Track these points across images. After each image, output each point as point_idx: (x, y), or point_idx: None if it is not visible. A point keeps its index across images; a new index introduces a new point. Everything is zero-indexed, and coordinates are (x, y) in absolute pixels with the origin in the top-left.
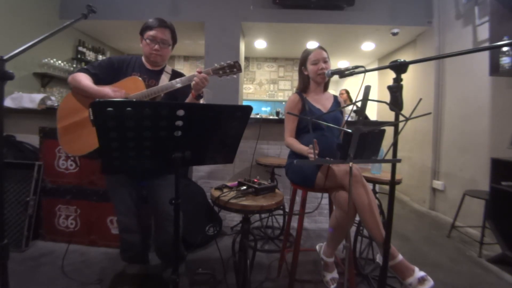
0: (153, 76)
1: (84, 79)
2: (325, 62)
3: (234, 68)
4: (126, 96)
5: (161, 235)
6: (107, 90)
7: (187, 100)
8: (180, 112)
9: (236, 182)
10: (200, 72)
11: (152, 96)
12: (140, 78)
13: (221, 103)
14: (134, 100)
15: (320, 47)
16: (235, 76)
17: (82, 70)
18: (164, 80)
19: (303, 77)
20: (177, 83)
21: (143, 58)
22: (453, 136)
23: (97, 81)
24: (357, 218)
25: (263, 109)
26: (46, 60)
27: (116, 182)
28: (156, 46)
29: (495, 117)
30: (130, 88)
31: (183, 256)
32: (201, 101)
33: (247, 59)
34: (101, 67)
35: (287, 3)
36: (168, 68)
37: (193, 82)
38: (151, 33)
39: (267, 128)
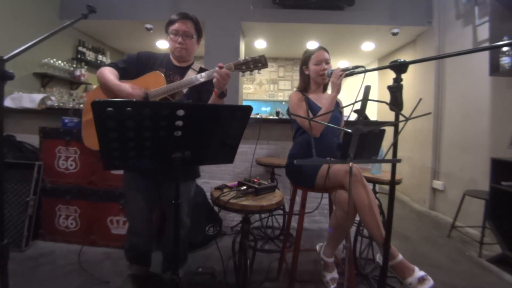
0: (179, 72)
1: (108, 73)
2: (327, 63)
3: (259, 63)
4: (144, 93)
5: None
6: (125, 86)
7: (211, 100)
8: (180, 112)
9: (236, 182)
10: (221, 67)
11: (171, 92)
12: (161, 74)
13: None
14: (134, 100)
15: (323, 48)
16: (259, 72)
17: (110, 64)
18: (190, 76)
19: (304, 76)
20: (196, 78)
21: (171, 55)
22: (453, 136)
23: (125, 75)
24: (357, 218)
25: (263, 109)
26: (46, 60)
27: (133, 182)
28: (180, 39)
29: (495, 117)
30: (150, 83)
31: (186, 258)
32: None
33: None
34: (129, 62)
35: (287, 3)
36: (196, 65)
37: (214, 79)
38: (173, 26)
39: (267, 128)
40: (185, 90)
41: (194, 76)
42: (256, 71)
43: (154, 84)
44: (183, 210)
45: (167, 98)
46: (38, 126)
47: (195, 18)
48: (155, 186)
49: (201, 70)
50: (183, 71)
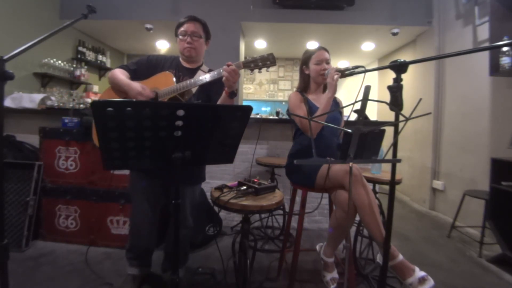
0: (188, 73)
1: (119, 74)
2: (328, 63)
3: (267, 60)
4: (153, 95)
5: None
6: (136, 84)
7: (221, 99)
8: (180, 112)
9: (236, 182)
10: (229, 65)
11: (180, 91)
12: (171, 74)
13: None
14: (134, 100)
15: (324, 48)
16: (268, 70)
17: (121, 66)
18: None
19: (304, 76)
20: (205, 78)
21: (180, 57)
22: (453, 136)
23: (136, 76)
24: (357, 218)
25: (263, 109)
26: (46, 60)
27: (137, 182)
28: (188, 39)
29: (495, 117)
30: (160, 83)
31: (187, 258)
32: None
33: None
34: (140, 63)
35: (287, 3)
36: (205, 67)
37: (223, 78)
38: (182, 28)
39: (267, 128)
40: (194, 90)
41: (202, 76)
42: (265, 69)
43: (164, 84)
44: (188, 211)
45: (176, 97)
46: (38, 126)
47: (204, 21)
48: (161, 187)
49: (210, 71)
50: (192, 72)
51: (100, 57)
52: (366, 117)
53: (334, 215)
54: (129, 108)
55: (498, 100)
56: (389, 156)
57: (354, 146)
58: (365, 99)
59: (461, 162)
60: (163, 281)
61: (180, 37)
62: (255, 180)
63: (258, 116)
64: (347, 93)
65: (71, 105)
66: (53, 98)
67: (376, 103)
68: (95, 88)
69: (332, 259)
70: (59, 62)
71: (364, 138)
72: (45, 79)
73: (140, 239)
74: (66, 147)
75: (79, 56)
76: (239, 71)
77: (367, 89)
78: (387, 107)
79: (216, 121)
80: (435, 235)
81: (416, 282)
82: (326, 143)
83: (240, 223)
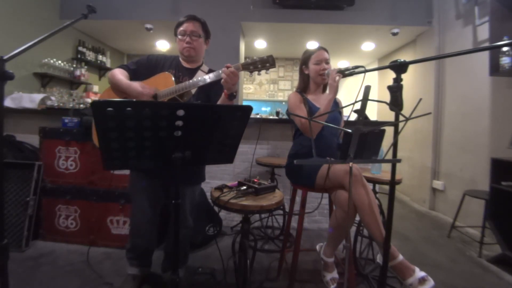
0: (188, 73)
1: (118, 74)
2: (327, 63)
3: (267, 63)
4: (154, 92)
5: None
6: (135, 85)
7: (220, 101)
8: (180, 112)
9: (236, 182)
10: (228, 67)
11: (179, 92)
12: (171, 74)
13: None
14: (135, 100)
15: (323, 48)
16: (267, 72)
17: (121, 66)
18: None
19: (304, 76)
20: (204, 79)
21: (180, 57)
22: (453, 136)
23: (136, 76)
24: (357, 218)
25: (263, 109)
26: (46, 60)
27: (137, 182)
28: (187, 39)
29: (495, 117)
30: (160, 84)
31: (187, 258)
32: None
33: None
34: (140, 63)
35: (287, 3)
36: (205, 67)
37: (222, 80)
38: (181, 27)
39: (267, 128)
40: (193, 91)
41: (202, 77)
42: (264, 71)
43: (164, 84)
44: (188, 211)
45: (175, 98)
46: (38, 126)
47: (203, 20)
48: (161, 187)
49: (210, 71)
50: (192, 72)
51: (100, 57)
52: (366, 117)
53: (334, 215)
54: (129, 108)
55: (498, 100)
56: (389, 156)
57: (354, 146)
58: (365, 99)
59: (461, 162)
60: (163, 281)
61: (179, 36)
62: (255, 180)
63: (258, 116)
64: (347, 93)
65: (71, 105)
66: (53, 98)
67: (376, 103)
68: (95, 88)
69: (332, 259)
70: (59, 62)
71: (364, 138)
72: (45, 79)
73: (140, 239)
74: (66, 147)
75: (79, 56)
76: (238, 73)
77: (367, 89)
78: (387, 107)
79: (216, 121)
80: (435, 235)
81: (416, 282)
82: (326, 143)
83: (240, 223)
